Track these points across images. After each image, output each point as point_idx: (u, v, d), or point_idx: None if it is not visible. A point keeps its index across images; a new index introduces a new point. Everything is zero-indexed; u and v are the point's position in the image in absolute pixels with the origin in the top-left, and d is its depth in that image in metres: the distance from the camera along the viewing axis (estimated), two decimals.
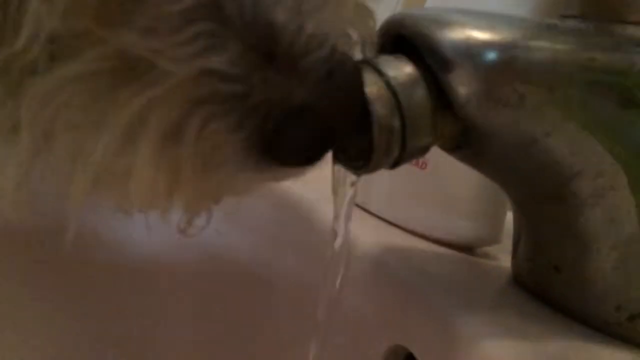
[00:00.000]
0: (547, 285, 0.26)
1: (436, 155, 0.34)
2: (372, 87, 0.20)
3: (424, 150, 0.22)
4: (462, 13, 0.21)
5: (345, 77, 0.18)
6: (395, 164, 0.21)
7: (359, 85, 0.19)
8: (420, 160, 0.34)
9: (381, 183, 0.36)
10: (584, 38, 0.21)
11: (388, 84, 0.20)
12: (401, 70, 0.21)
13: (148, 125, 0.15)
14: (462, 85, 0.21)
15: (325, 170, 0.22)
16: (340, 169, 0.23)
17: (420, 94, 0.21)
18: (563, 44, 0.21)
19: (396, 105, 0.20)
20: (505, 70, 0.20)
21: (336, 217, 0.23)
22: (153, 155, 0.16)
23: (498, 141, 0.22)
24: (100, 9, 0.15)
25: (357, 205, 0.37)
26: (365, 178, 0.38)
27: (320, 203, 0.37)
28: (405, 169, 0.34)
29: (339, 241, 0.23)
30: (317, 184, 0.35)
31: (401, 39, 0.22)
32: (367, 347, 0.30)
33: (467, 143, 0.23)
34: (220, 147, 0.17)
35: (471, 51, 0.20)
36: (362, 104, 0.20)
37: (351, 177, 0.22)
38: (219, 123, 0.16)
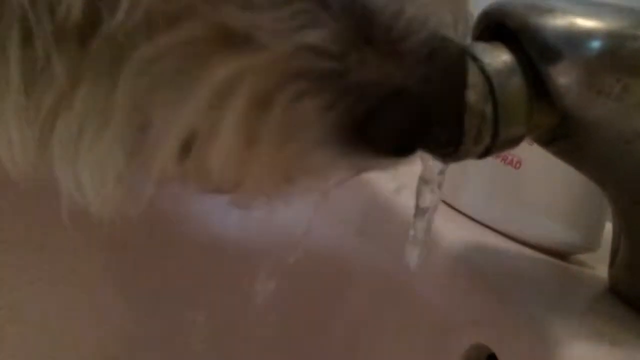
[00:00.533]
0: None
1: (531, 153, 0.33)
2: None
3: (517, 140, 0.21)
4: (565, 0, 0.20)
5: (446, 60, 0.17)
6: (485, 153, 0.21)
7: (462, 70, 0.18)
8: (515, 158, 0.33)
9: (472, 182, 0.36)
10: None
11: (482, 69, 0.20)
12: (497, 57, 0.20)
13: (238, 91, 0.15)
14: (562, 75, 0.20)
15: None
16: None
17: (516, 81, 0.20)
18: None
19: (489, 91, 0.20)
20: (609, 59, 0.19)
21: (419, 206, 0.23)
22: (238, 120, 0.16)
23: (597, 135, 0.21)
24: None
25: (447, 204, 0.37)
26: (456, 177, 0.37)
27: (407, 195, 0.37)
28: (498, 167, 0.34)
29: (420, 233, 0.23)
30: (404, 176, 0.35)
31: (500, 27, 0.22)
32: (449, 342, 0.29)
33: (563, 136, 0.22)
34: (309, 123, 0.16)
35: (573, 39, 0.20)
36: (465, 90, 0.19)
37: (438, 165, 0.22)
38: (311, 100, 0.16)
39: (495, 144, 0.21)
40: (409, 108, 0.17)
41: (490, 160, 0.34)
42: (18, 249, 0.38)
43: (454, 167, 0.38)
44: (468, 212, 0.35)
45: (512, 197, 0.33)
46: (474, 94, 0.20)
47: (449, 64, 0.17)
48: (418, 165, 0.24)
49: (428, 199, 0.23)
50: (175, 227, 0.42)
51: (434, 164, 0.22)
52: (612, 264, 0.28)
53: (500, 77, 0.20)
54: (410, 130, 0.17)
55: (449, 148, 0.21)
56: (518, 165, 0.33)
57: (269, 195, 0.19)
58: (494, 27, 0.22)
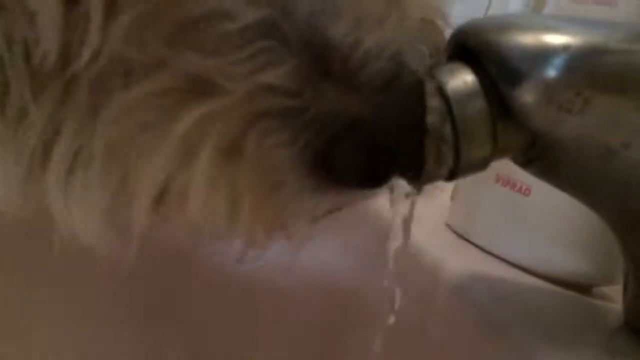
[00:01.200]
0: None
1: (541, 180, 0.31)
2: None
3: (484, 161, 0.20)
4: (525, 17, 0.20)
5: (402, 87, 0.17)
6: (451, 176, 0.20)
7: (419, 96, 0.18)
8: (524, 185, 0.32)
9: (481, 211, 0.34)
10: None
11: (440, 90, 0.19)
12: (458, 77, 0.20)
13: (206, 140, 0.16)
14: (523, 94, 0.19)
15: None
16: None
17: (477, 102, 0.20)
18: (636, 43, 0.18)
19: (447, 112, 0.19)
20: (567, 74, 0.18)
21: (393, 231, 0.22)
22: (211, 170, 0.16)
23: (569, 154, 0.20)
24: (167, 30, 0.15)
25: (456, 233, 0.36)
26: (465, 206, 0.36)
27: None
28: (506, 195, 0.32)
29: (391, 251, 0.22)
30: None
31: (467, 48, 0.21)
32: None
33: (537, 157, 0.21)
34: (278, 164, 0.16)
35: (531, 57, 0.19)
36: (423, 118, 0.18)
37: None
38: (274, 137, 0.16)
39: (459, 165, 0.20)
40: (366, 138, 0.17)
41: (498, 188, 0.33)
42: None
43: (463, 195, 0.37)
44: (477, 242, 0.34)
45: (522, 226, 0.32)
46: (431, 115, 0.19)
47: (404, 91, 0.17)
48: None
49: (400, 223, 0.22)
50: (203, 270, 0.43)
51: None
52: (625, 294, 0.27)
53: (460, 97, 0.19)
54: (371, 160, 0.17)
55: (412, 172, 0.21)
56: (527, 192, 0.32)
57: (265, 239, 0.19)
58: (461, 48, 0.21)
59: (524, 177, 0.32)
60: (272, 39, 0.16)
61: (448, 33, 0.21)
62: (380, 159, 0.17)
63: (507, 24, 0.20)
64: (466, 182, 0.38)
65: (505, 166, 0.33)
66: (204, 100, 0.16)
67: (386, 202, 0.38)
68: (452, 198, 0.38)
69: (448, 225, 0.38)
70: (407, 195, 0.21)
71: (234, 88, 0.16)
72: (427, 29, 0.19)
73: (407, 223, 0.22)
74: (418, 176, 0.20)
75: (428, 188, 0.45)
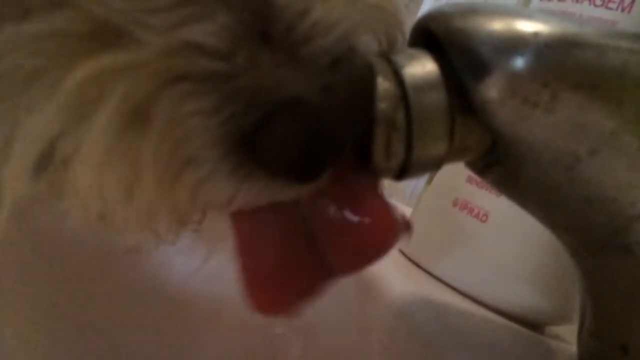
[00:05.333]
0: None
1: (499, 205, 0.30)
2: (378, 77, 0.17)
3: (438, 160, 0.18)
4: (495, 4, 0.18)
5: (351, 72, 0.15)
6: (402, 172, 0.18)
7: (369, 84, 0.16)
8: (481, 211, 0.30)
9: (433, 234, 0.32)
10: None
11: (396, 73, 0.17)
12: (418, 63, 0.18)
13: (106, 98, 0.13)
14: (485, 87, 0.17)
15: None
16: None
17: (436, 92, 0.18)
18: (613, 39, 0.17)
19: (401, 98, 0.17)
20: (537, 65, 0.16)
21: None
22: (107, 135, 0.13)
23: (532, 158, 0.18)
24: None
25: (405, 256, 0.33)
26: (415, 228, 0.34)
27: None
28: (462, 219, 0.30)
29: None
30: None
31: (431, 35, 0.19)
32: None
33: (497, 162, 0.19)
34: (192, 136, 0.14)
35: (499, 47, 0.17)
36: (371, 107, 0.16)
37: None
38: (192, 104, 0.13)
39: (410, 160, 0.18)
40: (305, 120, 0.14)
41: (455, 212, 0.31)
42: None
43: (417, 218, 0.35)
44: (428, 268, 0.32)
45: (475, 254, 0.30)
46: (383, 100, 0.17)
47: (353, 75, 0.15)
48: None
49: None
50: (132, 275, 0.40)
51: None
52: (580, 332, 0.24)
53: (417, 84, 0.17)
54: (308, 147, 0.14)
55: (361, 164, 0.18)
56: (484, 218, 0.30)
57: (169, 229, 0.16)
58: (425, 35, 0.19)
59: (482, 202, 0.30)
60: None
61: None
62: (320, 147, 0.15)
63: (474, 10, 0.18)
64: (422, 205, 0.36)
65: (465, 189, 0.31)
66: (109, 51, 0.13)
67: None
68: None
69: (401, 250, 0.35)
70: None
71: (149, 40, 0.13)
72: (380, 14, 0.18)
73: None
74: (365, 169, 0.18)
75: None
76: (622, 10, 0.28)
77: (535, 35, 0.17)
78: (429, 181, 0.37)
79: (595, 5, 0.28)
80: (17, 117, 0.14)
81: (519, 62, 0.17)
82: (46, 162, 0.14)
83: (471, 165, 0.20)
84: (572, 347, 0.29)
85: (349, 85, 0.15)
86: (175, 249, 0.38)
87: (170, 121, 0.13)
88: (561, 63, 0.16)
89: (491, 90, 0.17)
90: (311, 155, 0.15)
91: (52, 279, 0.33)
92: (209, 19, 0.13)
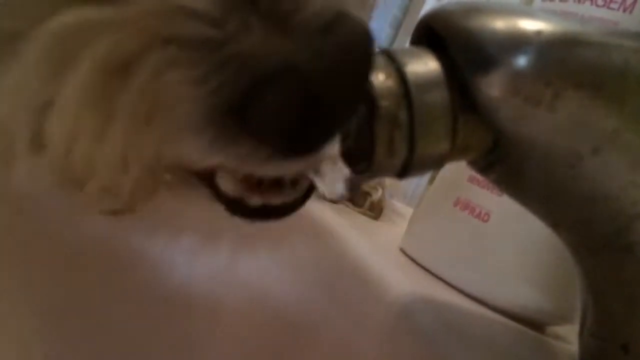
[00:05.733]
0: None
1: (501, 205, 0.30)
2: (380, 74, 0.18)
3: (440, 159, 0.18)
4: (497, 3, 0.18)
5: (346, 36, 0.14)
6: (404, 171, 0.18)
7: (365, 47, 0.15)
8: (483, 210, 0.30)
9: (434, 234, 0.32)
10: None
11: (399, 71, 0.17)
12: (421, 62, 0.18)
13: (87, 50, 0.13)
14: (487, 85, 0.17)
15: None
16: None
17: (439, 90, 0.18)
18: (616, 38, 0.17)
19: (404, 96, 0.17)
20: (535, 60, 0.16)
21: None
22: (85, 87, 0.13)
23: (534, 157, 0.18)
24: None
25: (407, 255, 0.33)
26: (417, 228, 0.34)
27: (369, 251, 0.34)
28: (463, 219, 0.30)
29: None
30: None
31: (434, 34, 0.19)
32: None
33: (499, 160, 0.19)
34: (174, 100, 0.13)
35: (502, 45, 0.17)
36: (368, 73, 0.15)
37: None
38: (179, 71, 0.13)
39: (413, 157, 0.18)
40: (299, 87, 0.13)
41: (456, 212, 0.31)
42: None
43: (419, 218, 0.35)
44: (429, 268, 0.32)
45: (477, 254, 0.30)
46: (386, 98, 0.17)
47: (347, 38, 0.14)
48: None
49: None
50: (132, 273, 0.40)
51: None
52: (581, 335, 0.24)
53: (420, 82, 0.17)
54: (302, 114, 0.14)
55: (363, 162, 0.18)
56: (486, 218, 0.30)
57: (129, 194, 0.16)
58: (428, 34, 0.19)
59: (484, 202, 0.30)
60: None
61: None
62: (314, 114, 0.14)
63: (477, 8, 0.18)
64: (424, 205, 0.36)
65: (466, 189, 0.31)
66: (94, 4, 0.13)
67: (336, 219, 0.36)
68: (410, 222, 0.36)
69: (402, 250, 0.35)
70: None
71: (138, 0, 0.13)
72: None
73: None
74: (369, 166, 0.18)
75: (389, 214, 0.43)
76: (624, 10, 0.28)
77: (538, 33, 0.17)
78: (431, 181, 0.37)
79: (597, 6, 0.28)
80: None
81: (522, 61, 0.17)
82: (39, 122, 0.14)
83: (473, 163, 0.20)
84: (573, 347, 0.29)
85: (341, 49, 0.14)
86: (177, 248, 0.38)
87: (152, 83, 0.13)
88: (564, 62, 0.16)
89: (493, 88, 0.17)
90: (305, 122, 0.14)
91: (52, 278, 0.33)
92: None
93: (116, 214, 0.17)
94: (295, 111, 0.14)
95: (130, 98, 0.13)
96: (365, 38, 0.15)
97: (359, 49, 0.15)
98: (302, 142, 0.14)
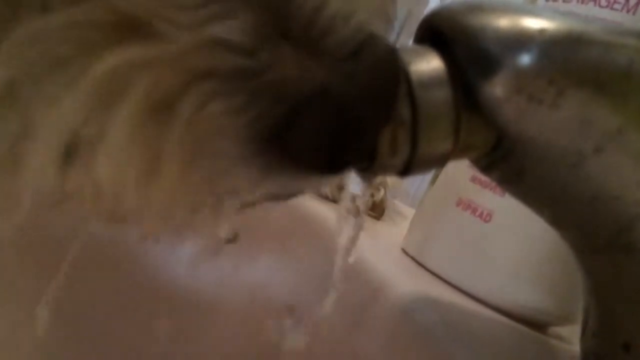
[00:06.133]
0: None
1: (503, 205, 0.30)
2: None
3: (442, 157, 0.18)
4: (501, 2, 0.18)
5: (375, 57, 0.15)
6: (406, 169, 0.18)
7: (394, 68, 0.16)
8: (485, 210, 0.30)
9: (436, 235, 0.32)
10: None
11: (402, 69, 0.17)
12: (424, 60, 0.18)
13: (131, 89, 0.13)
14: (491, 84, 0.17)
15: None
16: None
17: (442, 88, 0.18)
18: (619, 36, 0.17)
19: (407, 94, 0.17)
20: (543, 62, 0.16)
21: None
22: (131, 126, 0.13)
23: (537, 156, 0.18)
24: None
25: (409, 256, 0.33)
26: (420, 228, 0.34)
27: (371, 251, 0.34)
28: (465, 219, 0.30)
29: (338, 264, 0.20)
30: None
31: (438, 32, 0.19)
32: None
33: (502, 159, 0.19)
34: (218, 132, 0.14)
35: (506, 44, 0.17)
36: (397, 95, 0.16)
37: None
38: (220, 103, 0.14)
39: (415, 155, 0.18)
40: (333, 110, 0.14)
41: (458, 212, 0.31)
42: None
43: (421, 218, 0.35)
44: (431, 267, 0.32)
45: (479, 254, 0.30)
46: None
47: (377, 60, 0.15)
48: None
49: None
50: (123, 271, 0.40)
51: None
52: (583, 332, 0.24)
53: (423, 80, 0.17)
54: (333, 137, 0.15)
55: (365, 161, 0.18)
56: (488, 218, 0.30)
57: (177, 224, 0.16)
58: (432, 33, 0.19)
59: (486, 202, 0.30)
60: None
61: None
62: (349, 137, 0.15)
63: (480, 7, 0.18)
64: (426, 205, 0.36)
65: (468, 189, 0.31)
66: (137, 43, 0.13)
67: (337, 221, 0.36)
68: (412, 222, 0.36)
69: (404, 250, 0.35)
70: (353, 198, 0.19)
71: (175, 36, 0.13)
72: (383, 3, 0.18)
73: (352, 242, 0.20)
74: (371, 165, 0.18)
75: (391, 214, 0.43)
76: (628, 11, 0.28)
77: (541, 32, 0.17)
78: (433, 181, 0.37)
79: (601, 7, 0.28)
80: (40, 106, 0.14)
81: (525, 59, 0.17)
82: (72, 152, 0.14)
83: (476, 162, 0.20)
84: (575, 348, 0.29)
85: (372, 70, 0.15)
86: (176, 249, 0.38)
87: (195, 117, 0.13)
88: (567, 60, 0.16)
89: (497, 87, 0.17)
90: (340, 144, 0.15)
91: (52, 278, 0.33)
92: (235, 17, 0.13)
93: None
94: (330, 134, 0.14)
95: (177, 134, 0.14)
96: (393, 61, 0.16)
97: (388, 72, 0.15)
98: (338, 162, 0.15)
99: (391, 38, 0.18)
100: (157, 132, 0.14)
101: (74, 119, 0.14)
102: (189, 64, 0.13)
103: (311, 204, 0.39)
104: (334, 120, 0.14)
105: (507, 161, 0.19)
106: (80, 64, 0.13)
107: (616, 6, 0.28)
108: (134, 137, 0.14)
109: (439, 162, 0.18)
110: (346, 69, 0.14)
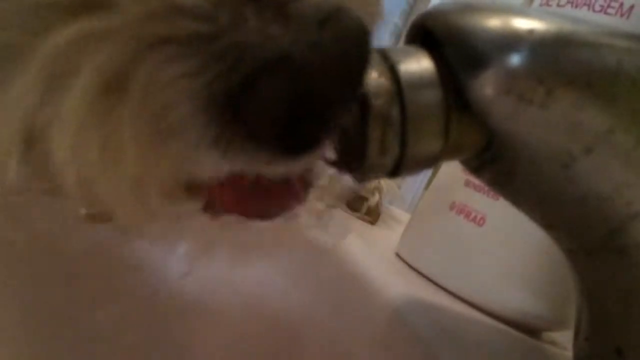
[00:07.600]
0: None
1: (496, 209, 0.29)
2: (373, 72, 0.17)
3: (432, 158, 0.18)
4: (491, 2, 0.18)
5: (343, 30, 0.14)
6: (395, 169, 0.18)
7: (362, 43, 0.14)
8: (478, 214, 0.30)
9: (429, 238, 0.32)
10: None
11: (392, 69, 0.17)
12: (414, 60, 0.18)
13: (83, 65, 0.13)
14: (480, 84, 0.17)
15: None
16: None
17: (431, 89, 0.18)
18: (608, 37, 0.17)
19: (396, 94, 0.17)
20: (528, 59, 0.16)
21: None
22: (84, 105, 0.13)
23: (527, 156, 0.18)
24: None
25: (402, 260, 0.33)
26: (413, 231, 0.34)
27: (365, 256, 0.34)
28: (458, 223, 0.30)
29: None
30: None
31: (428, 33, 0.19)
32: None
33: (492, 160, 0.19)
34: (174, 99, 0.13)
35: (496, 44, 0.17)
36: (364, 69, 0.15)
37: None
38: (176, 67, 0.13)
39: (405, 156, 0.18)
40: (290, 79, 0.13)
41: (452, 216, 0.31)
42: None
43: (415, 223, 0.35)
44: (424, 272, 0.31)
45: (472, 258, 0.30)
46: (378, 96, 0.17)
47: (345, 33, 0.14)
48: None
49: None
50: (128, 281, 0.39)
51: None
52: (576, 336, 0.24)
53: (412, 80, 0.17)
54: (290, 109, 0.13)
55: (354, 162, 0.18)
56: (482, 222, 0.30)
57: (153, 210, 0.15)
58: (422, 33, 0.19)
59: (480, 205, 0.30)
60: None
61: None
62: (311, 108, 0.14)
63: (471, 7, 0.18)
64: (420, 208, 0.35)
65: (462, 193, 0.31)
66: (86, 16, 0.13)
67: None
68: (406, 226, 0.36)
69: (398, 254, 0.35)
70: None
71: (128, 5, 0.13)
72: None
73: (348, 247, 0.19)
74: (360, 165, 0.18)
75: (386, 219, 0.43)
76: (621, 15, 0.28)
77: (531, 32, 0.17)
78: (427, 187, 0.37)
79: (594, 11, 0.28)
80: None
81: (515, 59, 0.17)
82: (31, 139, 0.14)
83: (466, 163, 0.20)
84: (569, 353, 0.29)
85: (339, 43, 0.14)
86: (172, 252, 0.37)
87: (151, 85, 0.13)
88: (556, 60, 0.16)
89: (487, 86, 0.17)
90: (298, 114, 0.14)
91: (46, 280, 0.33)
92: None
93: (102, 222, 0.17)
94: (287, 103, 0.13)
95: (133, 105, 0.13)
96: (362, 34, 0.14)
97: (355, 44, 0.14)
98: (296, 136, 0.14)
99: (388, 37, 0.18)
100: (113, 106, 0.13)
101: (28, 103, 0.13)
102: (143, 32, 0.13)
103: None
104: (292, 90, 0.13)
105: (497, 162, 0.19)
106: (30, 45, 0.13)
107: (610, 10, 0.28)
108: (89, 114, 0.13)
109: (430, 162, 0.18)
110: (311, 37, 0.13)
